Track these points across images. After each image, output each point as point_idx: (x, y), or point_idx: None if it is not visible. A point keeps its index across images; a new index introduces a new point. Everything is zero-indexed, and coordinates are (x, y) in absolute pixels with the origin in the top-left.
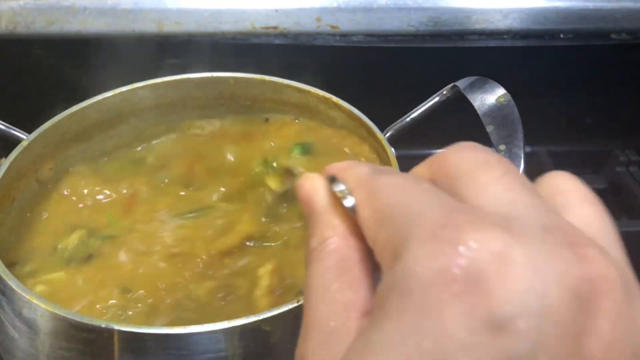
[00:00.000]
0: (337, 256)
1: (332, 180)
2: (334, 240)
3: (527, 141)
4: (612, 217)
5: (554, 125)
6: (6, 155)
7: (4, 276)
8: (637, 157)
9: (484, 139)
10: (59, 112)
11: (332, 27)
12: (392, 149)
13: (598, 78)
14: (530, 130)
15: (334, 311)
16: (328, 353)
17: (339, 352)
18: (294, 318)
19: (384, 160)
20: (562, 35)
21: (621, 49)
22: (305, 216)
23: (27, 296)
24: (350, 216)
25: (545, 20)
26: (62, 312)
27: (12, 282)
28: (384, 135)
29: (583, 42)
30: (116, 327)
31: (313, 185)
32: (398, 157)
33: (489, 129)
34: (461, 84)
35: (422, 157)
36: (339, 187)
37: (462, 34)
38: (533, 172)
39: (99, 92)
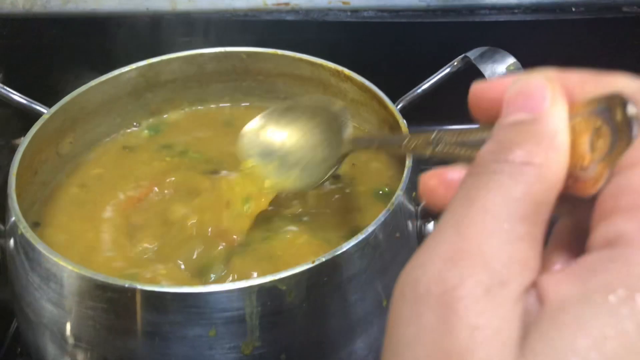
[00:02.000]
0: (539, 191)
1: (620, 101)
2: (551, 170)
3: None
4: None
5: None
6: (26, 132)
7: (31, 240)
8: None
9: None
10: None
11: (344, 2)
12: (404, 120)
13: (609, 51)
14: None
15: (504, 256)
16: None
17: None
18: (309, 278)
19: (396, 132)
20: (573, 9)
21: (633, 22)
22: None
23: (54, 258)
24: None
25: None
26: (87, 273)
27: (39, 246)
28: (396, 106)
29: (594, 15)
30: (139, 286)
31: (550, 90)
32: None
33: None
34: (472, 54)
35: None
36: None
37: (473, 9)
38: None
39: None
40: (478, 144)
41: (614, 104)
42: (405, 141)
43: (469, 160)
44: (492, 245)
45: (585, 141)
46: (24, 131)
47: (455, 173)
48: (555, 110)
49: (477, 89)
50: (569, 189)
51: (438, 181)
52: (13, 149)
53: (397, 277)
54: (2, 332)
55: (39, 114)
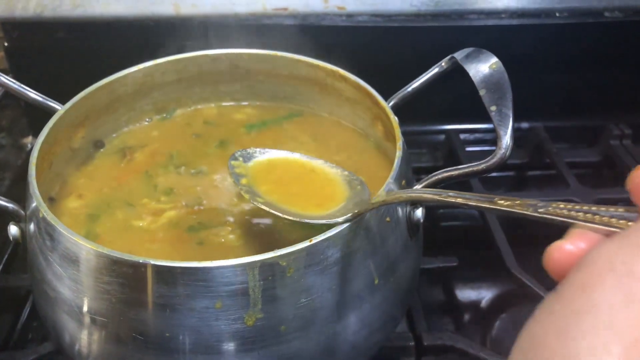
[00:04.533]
0: None
1: None
2: None
3: (525, 117)
4: (606, 187)
5: (551, 102)
6: (34, 132)
7: (52, 222)
8: (631, 131)
9: (479, 104)
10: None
11: (339, 7)
12: (396, 117)
13: (593, 55)
14: (528, 106)
15: None
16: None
17: None
18: (307, 255)
19: (388, 128)
20: (557, 14)
21: (614, 26)
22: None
23: (73, 237)
24: None
25: (540, 0)
26: (104, 250)
27: (60, 227)
28: (388, 104)
29: (577, 20)
30: (152, 261)
31: None
32: (403, 133)
33: (482, 92)
34: (458, 55)
35: (424, 133)
36: None
37: (462, 14)
38: (530, 146)
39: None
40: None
41: None
42: (498, 200)
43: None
44: None
45: None
46: (31, 131)
47: (570, 244)
48: None
49: None
50: None
51: (559, 254)
52: (20, 148)
53: (594, 257)
54: (14, 318)
55: (52, 111)
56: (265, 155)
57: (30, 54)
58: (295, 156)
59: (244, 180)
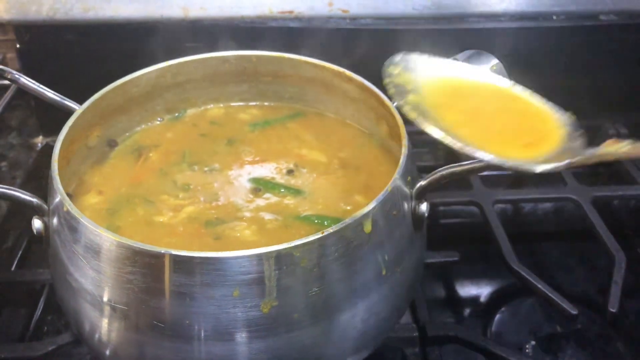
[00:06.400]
0: None
1: None
2: None
3: None
4: (603, 185)
5: (548, 101)
6: (44, 132)
7: (76, 215)
8: (626, 130)
9: None
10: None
11: (343, 11)
12: (400, 117)
13: (589, 56)
14: None
15: None
16: None
17: None
18: (319, 247)
19: (392, 127)
20: (554, 17)
21: (610, 29)
22: None
23: (97, 230)
24: None
25: (538, 3)
26: (127, 241)
27: (84, 220)
28: (393, 104)
29: (574, 23)
30: (172, 252)
31: None
32: (408, 133)
33: None
34: (460, 57)
35: (425, 133)
36: None
37: (462, 17)
38: None
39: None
40: None
41: None
42: None
43: None
44: None
45: None
46: (41, 131)
47: None
48: None
49: None
50: None
51: None
52: (30, 147)
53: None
54: (30, 312)
55: (68, 110)
56: (443, 70)
57: (42, 56)
58: (489, 78)
59: (411, 97)
